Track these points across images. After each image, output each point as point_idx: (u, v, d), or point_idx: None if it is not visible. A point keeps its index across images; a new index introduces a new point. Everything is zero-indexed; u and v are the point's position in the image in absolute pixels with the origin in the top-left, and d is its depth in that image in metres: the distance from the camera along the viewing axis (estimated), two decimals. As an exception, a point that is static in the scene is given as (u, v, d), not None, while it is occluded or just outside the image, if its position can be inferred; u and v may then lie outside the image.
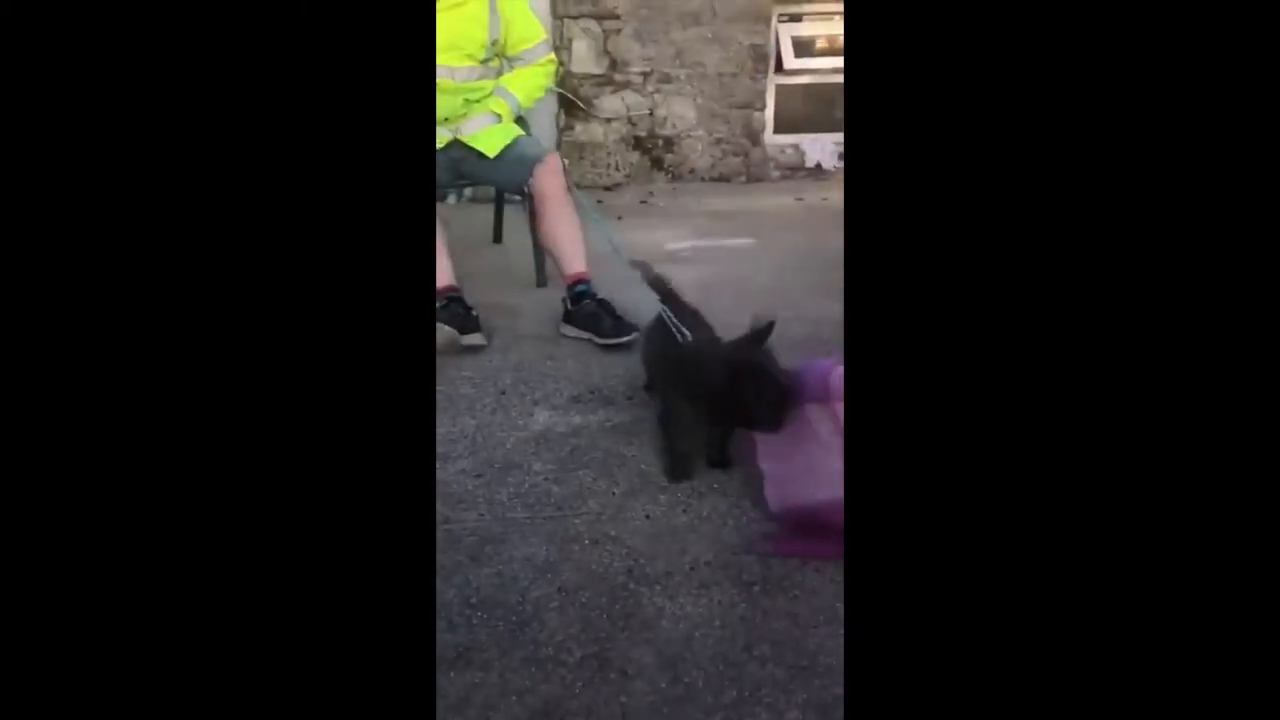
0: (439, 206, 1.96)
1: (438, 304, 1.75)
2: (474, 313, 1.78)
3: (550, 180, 1.88)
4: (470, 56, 1.91)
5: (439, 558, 1.06)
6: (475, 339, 1.74)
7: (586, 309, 1.77)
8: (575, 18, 3.22)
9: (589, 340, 1.77)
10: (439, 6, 1.81)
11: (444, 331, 1.66)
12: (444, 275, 1.80)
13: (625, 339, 1.70)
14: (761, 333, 1.13)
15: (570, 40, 3.26)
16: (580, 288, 1.80)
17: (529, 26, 1.95)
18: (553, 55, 2.05)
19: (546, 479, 1.26)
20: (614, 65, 3.33)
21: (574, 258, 1.84)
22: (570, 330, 1.81)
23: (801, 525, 1.06)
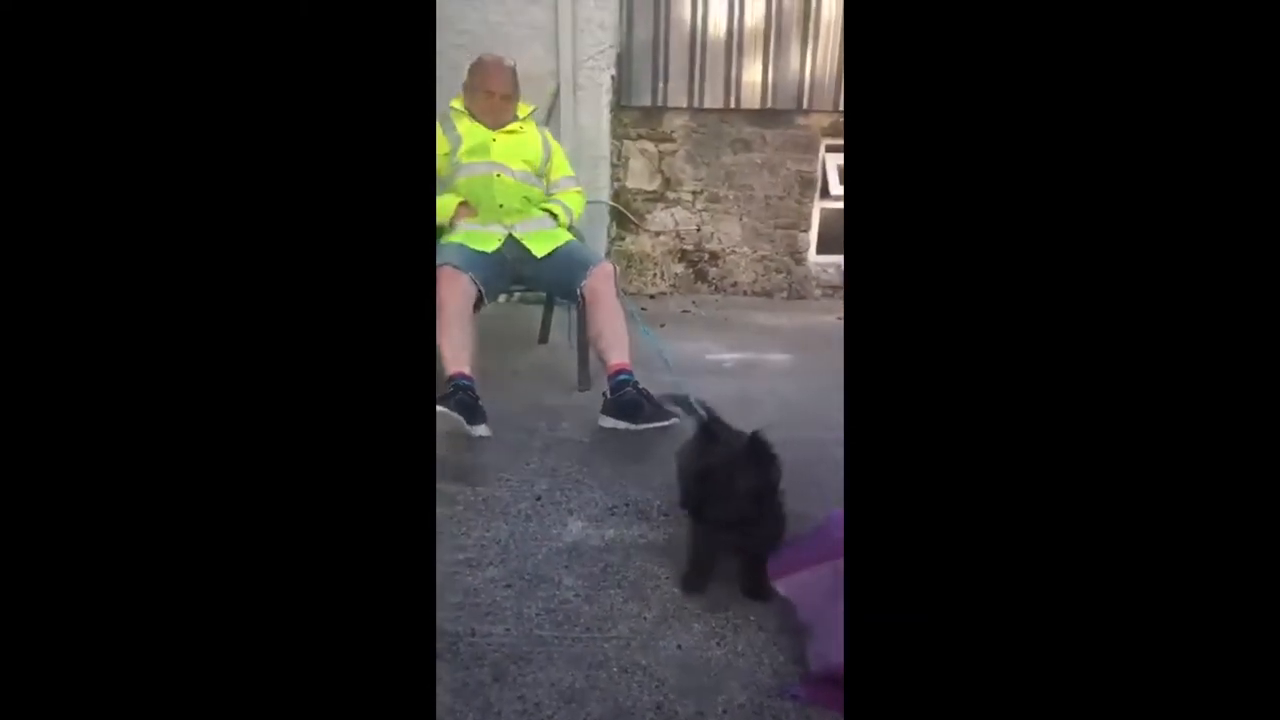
0: (488, 304, 2.02)
1: (447, 389, 1.73)
2: (480, 403, 1.75)
3: (603, 284, 2.00)
4: (527, 163, 2.20)
5: (462, 674, 1.03)
6: (481, 430, 1.71)
7: (626, 396, 1.80)
8: (634, 139, 3.44)
9: (626, 428, 1.76)
10: (505, 129, 2.18)
11: (448, 419, 1.63)
12: (459, 362, 1.79)
13: (662, 424, 1.72)
14: (764, 448, 1.14)
15: (627, 159, 3.46)
16: (622, 376, 1.86)
17: (564, 164, 2.36)
18: (580, 188, 2.38)
19: (577, 595, 1.23)
20: (667, 183, 3.51)
21: (619, 350, 1.92)
22: (608, 421, 1.81)
23: (837, 683, 1.00)
